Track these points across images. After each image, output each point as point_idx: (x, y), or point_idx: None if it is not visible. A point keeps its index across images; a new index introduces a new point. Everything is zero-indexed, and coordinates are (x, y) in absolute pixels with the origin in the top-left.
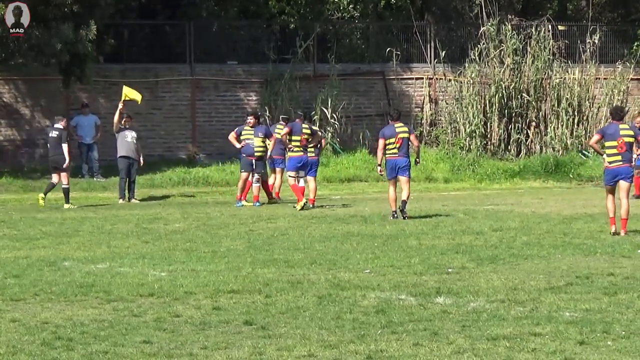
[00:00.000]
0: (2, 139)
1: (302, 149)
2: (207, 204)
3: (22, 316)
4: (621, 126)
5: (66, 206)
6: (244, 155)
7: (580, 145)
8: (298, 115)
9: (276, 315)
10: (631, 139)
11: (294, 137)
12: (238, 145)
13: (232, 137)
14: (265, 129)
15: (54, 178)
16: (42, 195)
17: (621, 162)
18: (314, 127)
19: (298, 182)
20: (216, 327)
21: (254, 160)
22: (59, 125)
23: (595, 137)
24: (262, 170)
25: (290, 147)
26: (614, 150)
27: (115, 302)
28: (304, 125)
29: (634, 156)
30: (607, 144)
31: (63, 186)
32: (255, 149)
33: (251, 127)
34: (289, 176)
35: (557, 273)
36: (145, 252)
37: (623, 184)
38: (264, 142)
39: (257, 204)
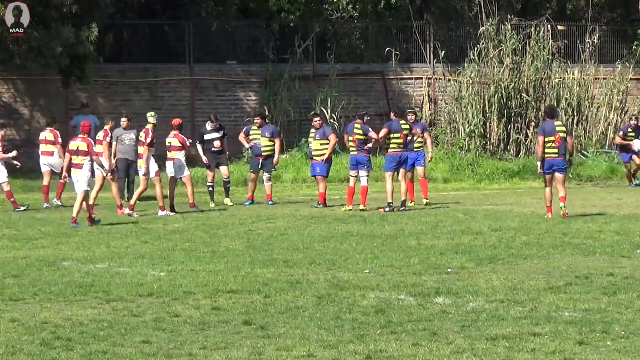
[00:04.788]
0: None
1: (399, 145)
2: (207, 204)
3: (21, 316)
4: (557, 123)
5: (226, 201)
6: (253, 156)
7: (579, 146)
8: (395, 112)
9: (275, 316)
10: (564, 135)
11: (393, 135)
12: (247, 145)
13: (241, 137)
14: (273, 129)
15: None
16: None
17: (557, 155)
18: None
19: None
20: (215, 327)
21: (261, 160)
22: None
23: (540, 139)
24: (271, 170)
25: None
26: (552, 144)
27: (115, 302)
28: (402, 122)
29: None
30: (546, 139)
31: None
32: (263, 149)
33: (258, 127)
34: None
35: (557, 273)
36: (145, 252)
37: (558, 176)
38: (271, 141)
39: (270, 202)
